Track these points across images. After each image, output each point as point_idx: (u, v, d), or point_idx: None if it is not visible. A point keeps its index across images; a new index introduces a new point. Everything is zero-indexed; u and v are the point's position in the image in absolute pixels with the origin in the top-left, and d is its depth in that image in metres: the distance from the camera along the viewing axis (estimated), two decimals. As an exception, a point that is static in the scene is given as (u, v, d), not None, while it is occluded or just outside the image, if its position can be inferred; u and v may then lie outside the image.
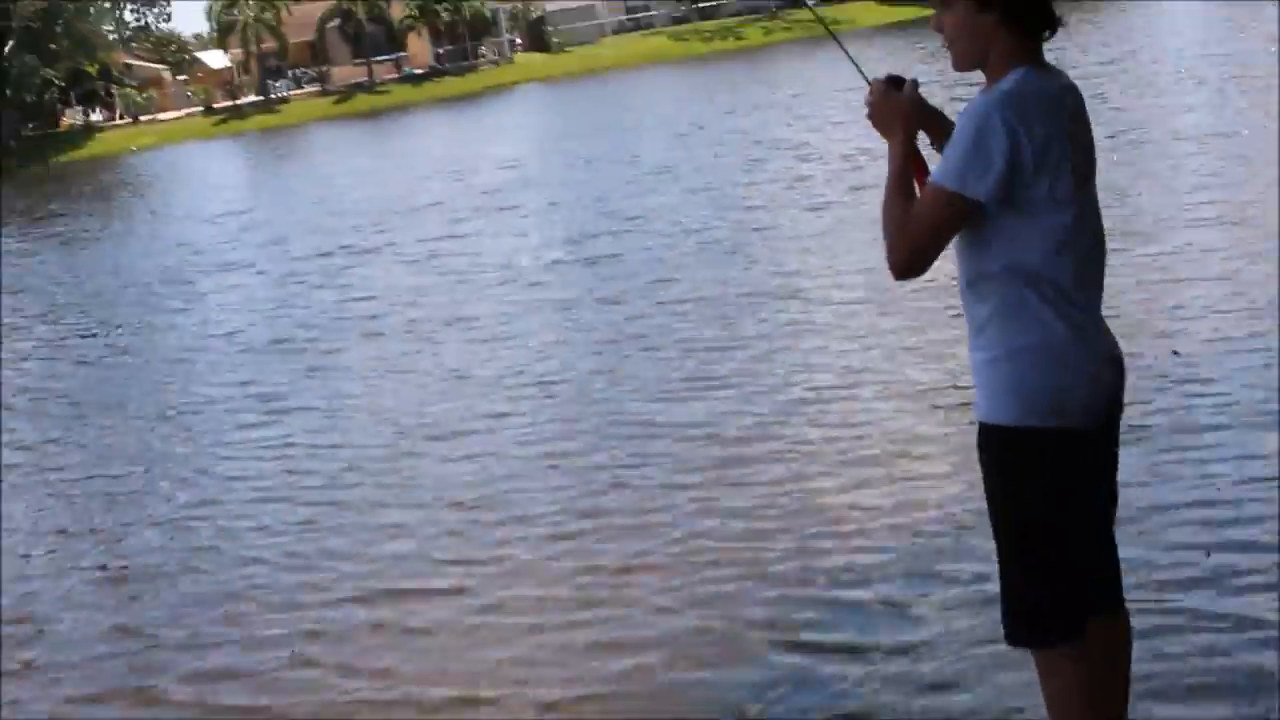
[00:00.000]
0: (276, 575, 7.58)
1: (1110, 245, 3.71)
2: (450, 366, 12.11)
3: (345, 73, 79.27)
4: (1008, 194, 3.36)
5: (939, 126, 3.74)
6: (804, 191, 18.89)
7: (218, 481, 9.71)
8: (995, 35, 3.44)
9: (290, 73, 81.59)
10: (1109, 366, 3.57)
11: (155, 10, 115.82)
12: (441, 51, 79.43)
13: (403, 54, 79.61)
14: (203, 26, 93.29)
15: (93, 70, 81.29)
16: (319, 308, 16.20)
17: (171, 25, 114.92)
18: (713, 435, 8.89)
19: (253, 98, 78.92)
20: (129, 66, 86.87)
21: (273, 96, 78.08)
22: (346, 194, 29.26)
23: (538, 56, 79.05)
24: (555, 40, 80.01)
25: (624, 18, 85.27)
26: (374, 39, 78.76)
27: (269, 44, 79.53)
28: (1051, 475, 3.49)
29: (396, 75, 78.66)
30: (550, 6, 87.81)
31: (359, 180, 32.39)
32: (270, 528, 8.45)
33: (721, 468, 8.22)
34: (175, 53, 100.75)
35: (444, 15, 77.70)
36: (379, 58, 78.61)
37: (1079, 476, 3.53)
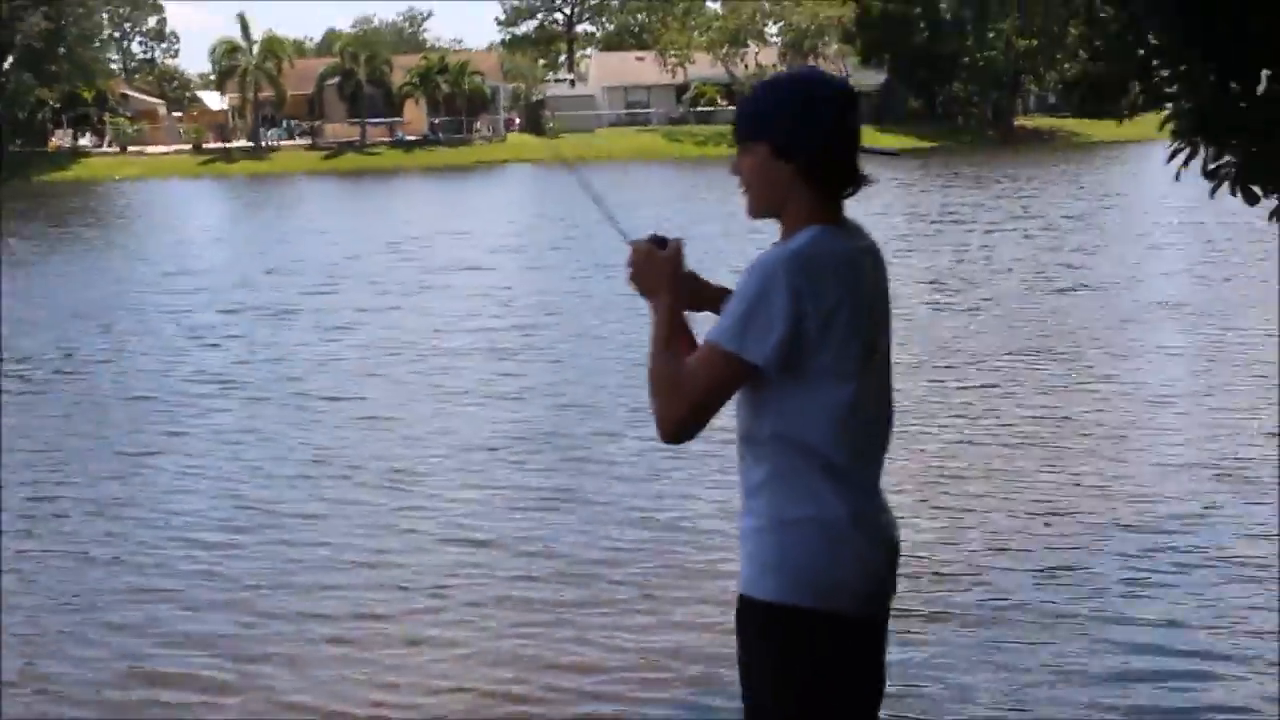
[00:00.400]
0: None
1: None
2: (315, 443, 11.72)
3: (339, 130, 79.46)
4: (787, 361, 3.08)
5: (703, 290, 3.50)
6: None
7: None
8: (793, 186, 3.17)
9: (285, 123, 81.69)
10: (885, 550, 3.27)
11: (163, 46, 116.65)
12: (436, 121, 79.54)
13: (398, 119, 79.76)
14: (205, 67, 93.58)
15: (89, 96, 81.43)
16: (202, 365, 15.93)
17: (177, 62, 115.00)
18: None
19: (244, 143, 79.00)
20: (125, 97, 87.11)
21: (263, 144, 78.11)
22: (302, 250, 29.17)
23: (529, 138, 79.24)
24: (550, 125, 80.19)
25: (623, 111, 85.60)
26: (371, 101, 78.90)
27: (267, 93, 79.76)
28: (814, 659, 3.17)
29: (389, 139, 78.74)
30: (552, 91, 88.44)
31: (321, 238, 32.43)
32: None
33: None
34: (176, 89, 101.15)
35: (443, 86, 77.95)
36: (374, 119, 78.71)
37: (843, 663, 3.21)
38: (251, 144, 78.32)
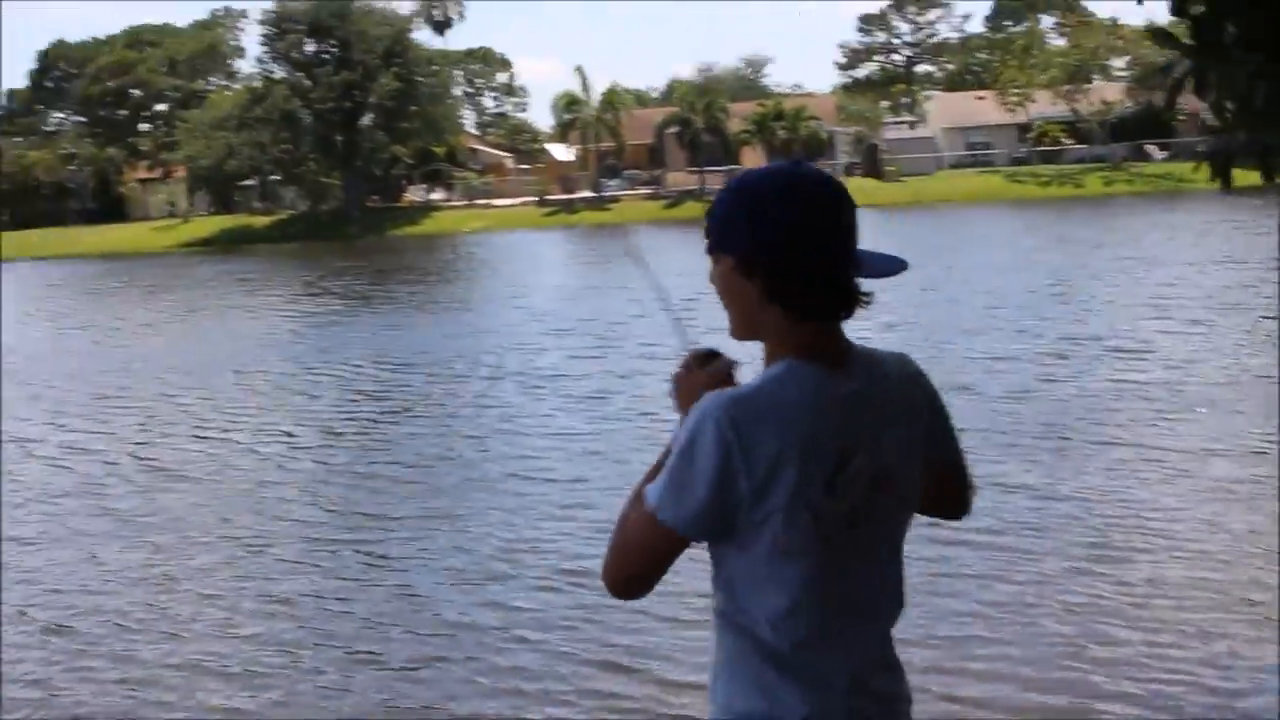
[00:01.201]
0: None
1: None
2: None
3: (679, 179, 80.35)
4: (716, 530, 2.54)
5: None
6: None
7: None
8: (763, 308, 2.58)
9: (625, 173, 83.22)
10: None
11: (514, 100, 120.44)
12: (774, 168, 79.37)
13: (736, 166, 79.88)
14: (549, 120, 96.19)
15: (440, 151, 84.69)
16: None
17: (528, 115, 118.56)
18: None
19: (586, 193, 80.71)
20: (475, 151, 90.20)
21: (605, 194, 79.71)
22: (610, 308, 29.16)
23: (868, 182, 78.48)
24: (889, 169, 79.36)
25: (963, 153, 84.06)
26: (710, 149, 79.46)
27: (608, 143, 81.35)
28: None
29: (726, 186, 78.98)
30: (891, 134, 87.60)
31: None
32: None
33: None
34: (527, 141, 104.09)
35: (780, 132, 77.95)
36: (713, 167, 79.29)
37: None
38: (593, 194, 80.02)
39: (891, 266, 2.60)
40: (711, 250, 2.63)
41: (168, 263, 63.77)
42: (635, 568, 2.62)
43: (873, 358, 2.65)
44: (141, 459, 15.60)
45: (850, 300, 2.58)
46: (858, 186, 76.53)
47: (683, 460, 2.48)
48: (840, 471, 2.52)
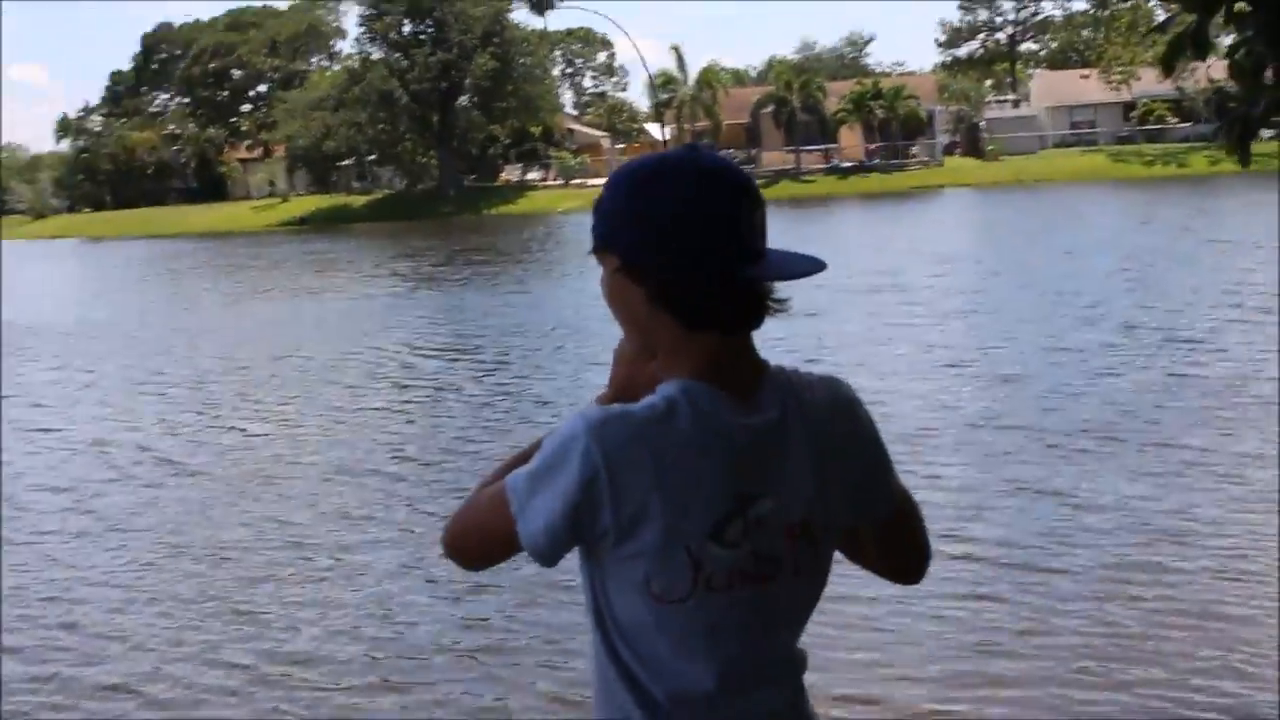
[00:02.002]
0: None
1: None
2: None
3: (775, 158, 79.77)
4: (560, 553, 2.21)
5: None
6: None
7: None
8: (654, 318, 2.21)
9: (721, 152, 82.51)
10: None
11: (613, 80, 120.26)
12: (872, 147, 78.79)
13: (833, 145, 79.35)
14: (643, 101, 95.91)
15: (536, 131, 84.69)
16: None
17: (627, 95, 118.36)
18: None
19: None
20: (570, 131, 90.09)
21: (699, 174, 79.17)
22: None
23: (968, 161, 77.49)
24: (990, 148, 78.16)
25: (1067, 132, 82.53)
26: (806, 128, 78.82)
27: (704, 123, 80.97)
28: None
29: (824, 166, 78.49)
30: (993, 113, 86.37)
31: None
32: None
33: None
34: (625, 121, 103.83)
35: (878, 111, 77.03)
36: (809, 147, 78.68)
37: None
38: (689, 174, 79.43)
39: (805, 267, 2.20)
40: (596, 249, 2.27)
41: (260, 241, 64.17)
42: (473, 548, 2.35)
43: (793, 382, 2.28)
44: (144, 447, 15.38)
45: (753, 307, 2.21)
46: (956, 166, 75.96)
47: (547, 470, 2.16)
48: (733, 519, 2.18)
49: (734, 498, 2.17)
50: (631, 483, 2.11)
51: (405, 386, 18.60)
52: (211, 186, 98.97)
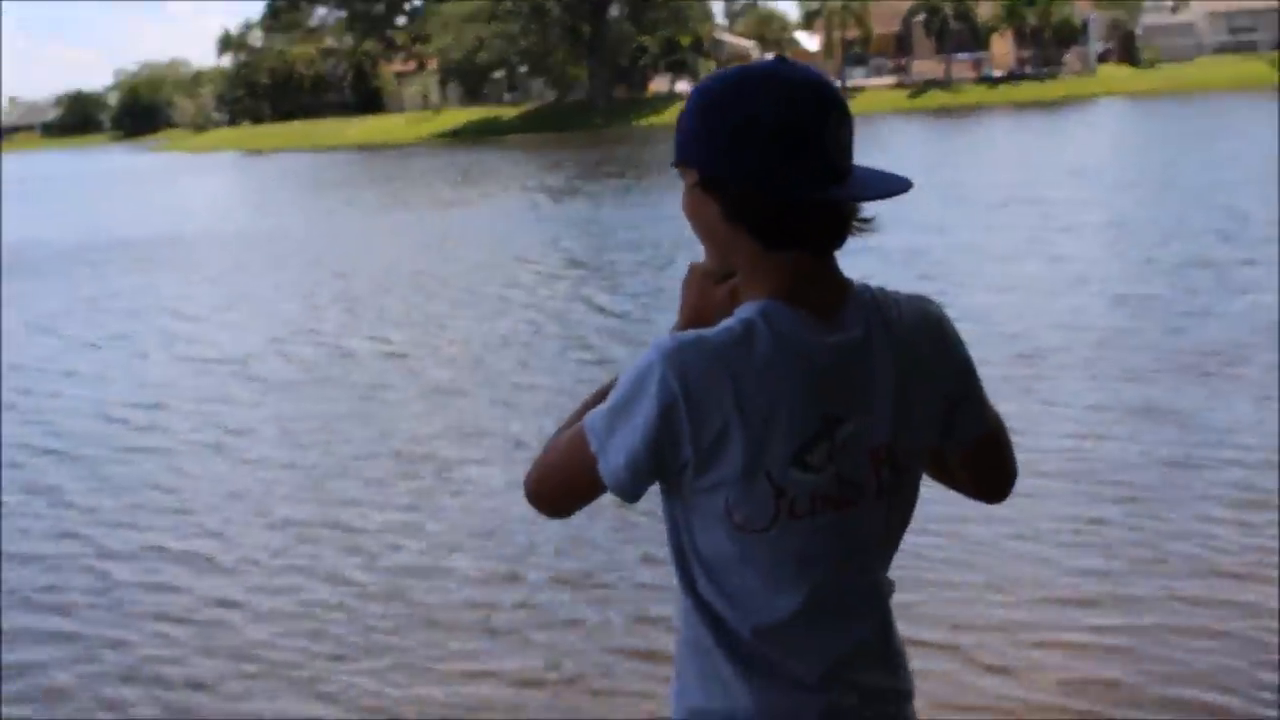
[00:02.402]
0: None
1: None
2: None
3: (925, 67, 78.93)
4: (643, 487, 2.15)
5: None
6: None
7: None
8: (733, 234, 2.13)
9: (871, 61, 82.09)
10: None
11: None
12: (1024, 55, 77.57)
13: (984, 54, 78.28)
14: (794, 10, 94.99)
15: (685, 42, 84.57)
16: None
17: (775, 3, 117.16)
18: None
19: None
20: (720, 41, 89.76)
21: (849, 84, 78.76)
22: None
23: (1122, 70, 76.02)
24: (1145, 55, 76.51)
25: (1226, 38, 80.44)
26: (958, 37, 77.79)
27: (854, 32, 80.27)
28: None
29: (975, 75, 77.49)
30: (1149, 20, 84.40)
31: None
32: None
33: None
34: (775, 30, 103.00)
35: (1031, 19, 75.79)
36: (960, 55, 77.70)
37: None
38: (838, 84, 78.70)
39: (891, 186, 2.10)
40: (676, 162, 2.18)
41: (411, 153, 65.32)
42: (555, 492, 2.28)
43: (878, 301, 2.18)
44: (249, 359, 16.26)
45: (835, 227, 2.12)
46: (1110, 74, 74.50)
47: (625, 404, 2.10)
48: (818, 443, 2.11)
49: (818, 420, 2.10)
50: (710, 409, 2.04)
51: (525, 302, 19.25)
52: (367, 99, 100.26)
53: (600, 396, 2.21)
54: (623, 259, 22.11)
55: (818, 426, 2.09)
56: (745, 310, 2.10)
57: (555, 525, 8.24)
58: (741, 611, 2.15)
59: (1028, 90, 72.22)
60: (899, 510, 2.23)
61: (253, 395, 13.93)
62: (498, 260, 23.19)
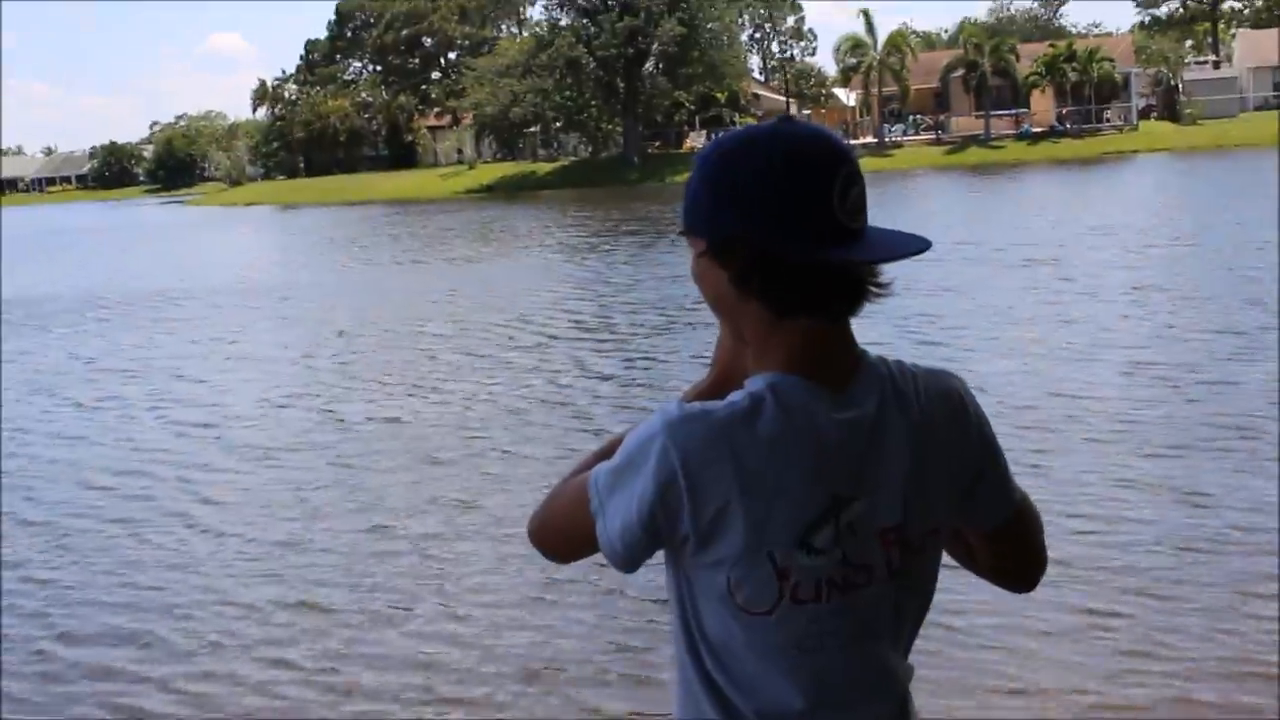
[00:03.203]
0: None
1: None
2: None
3: (963, 124, 78.33)
4: (641, 558, 2.07)
5: None
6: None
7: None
8: (742, 304, 2.04)
9: (909, 118, 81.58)
10: None
11: (801, 44, 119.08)
12: (1064, 111, 76.77)
13: (1024, 110, 77.50)
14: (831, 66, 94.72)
15: (721, 97, 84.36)
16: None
17: (815, 60, 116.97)
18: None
19: (868, 139, 79.33)
20: (757, 97, 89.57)
21: (886, 140, 78.22)
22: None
23: (1164, 126, 75.06)
24: (1188, 111, 75.55)
25: (1270, 94, 79.44)
26: (998, 92, 77.17)
27: (891, 88, 79.79)
28: None
29: (1014, 131, 76.67)
30: (1191, 75, 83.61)
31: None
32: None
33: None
34: (813, 86, 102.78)
35: (1071, 75, 74.99)
36: (999, 112, 76.97)
37: None
38: (875, 140, 78.58)
39: (906, 246, 2.00)
40: (684, 230, 2.11)
41: (443, 208, 64.92)
42: (556, 542, 2.24)
43: (894, 374, 2.09)
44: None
45: (849, 291, 2.02)
46: (1152, 130, 73.76)
47: (626, 468, 2.02)
48: (824, 524, 2.02)
49: (825, 499, 2.02)
50: (711, 486, 1.97)
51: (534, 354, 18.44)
52: (401, 154, 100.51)
53: (608, 450, 2.12)
54: (624, 320, 21.69)
55: (824, 506, 2.01)
56: (754, 383, 2.03)
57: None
58: (745, 693, 2.07)
59: (1067, 147, 71.34)
60: (915, 593, 2.15)
61: (235, 463, 13.36)
62: (500, 320, 22.57)
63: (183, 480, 12.62)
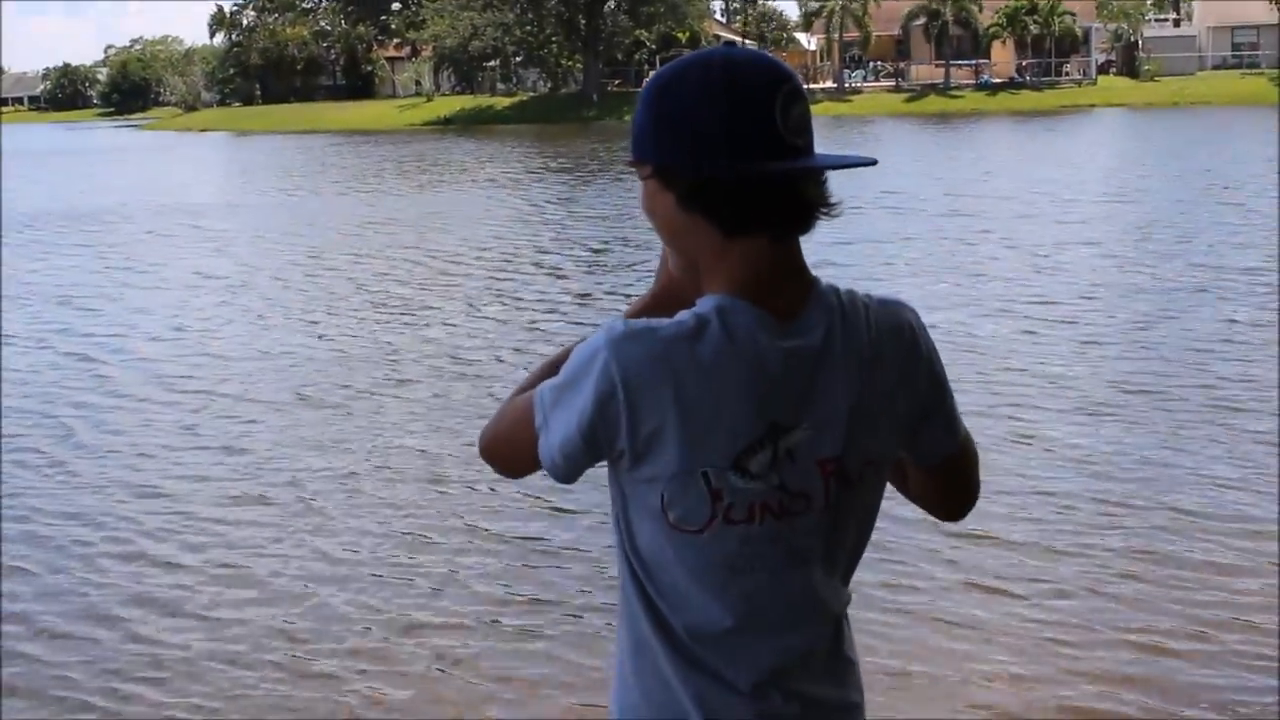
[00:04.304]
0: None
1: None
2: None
3: (923, 72, 78.44)
4: (578, 471, 2.10)
5: None
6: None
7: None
8: (691, 229, 2.04)
9: (870, 64, 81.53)
10: None
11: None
12: (1024, 64, 76.92)
13: (984, 61, 77.58)
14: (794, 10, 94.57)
15: (682, 37, 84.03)
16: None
17: (777, 3, 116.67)
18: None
19: (828, 84, 79.27)
20: (718, 38, 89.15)
21: (846, 86, 78.13)
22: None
23: (1121, 81, 75.30)
24: (1146, 68, 75.75)
25: (1228, 54, 79.69)
26: (958, 43, 77.25)
27: (853, 34, 79.64)
28: None
29: (974, 82, 76.75)
30: (1151, 32, 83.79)
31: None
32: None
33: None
34: (774, 30, 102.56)
35: (1032, 28, 75.05)
36: (959, 62, 77.01)
37: None
38: (835, 85, 78.51)
39: (850, 160, 2.04)
40: (632, 160, 2.10)
41: (398, 140, 64.46)
42: (504, 456, 2.23)
43: (844, 303, 2.07)
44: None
45: (796, 208, 2.01)
46: (1110, 85, 74.03)
47: (569, 383, 2.04)
48: (760, 449, 2.02)
49: (762, 426, 2.01)
50: (649, 404, 1.98)
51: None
52: (359, 84, 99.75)
53: (556, 364, 2.13)
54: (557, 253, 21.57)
55: (761, 432, 2.01)
56: (703, 304, 2.02)
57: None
58: (675, 609, 2.08)
59: (1026, 99, 71.53)
60: (855, 522, 2.15)
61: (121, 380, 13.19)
62: (433, 250, 22.50)
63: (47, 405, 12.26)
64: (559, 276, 19.21)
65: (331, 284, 19.33)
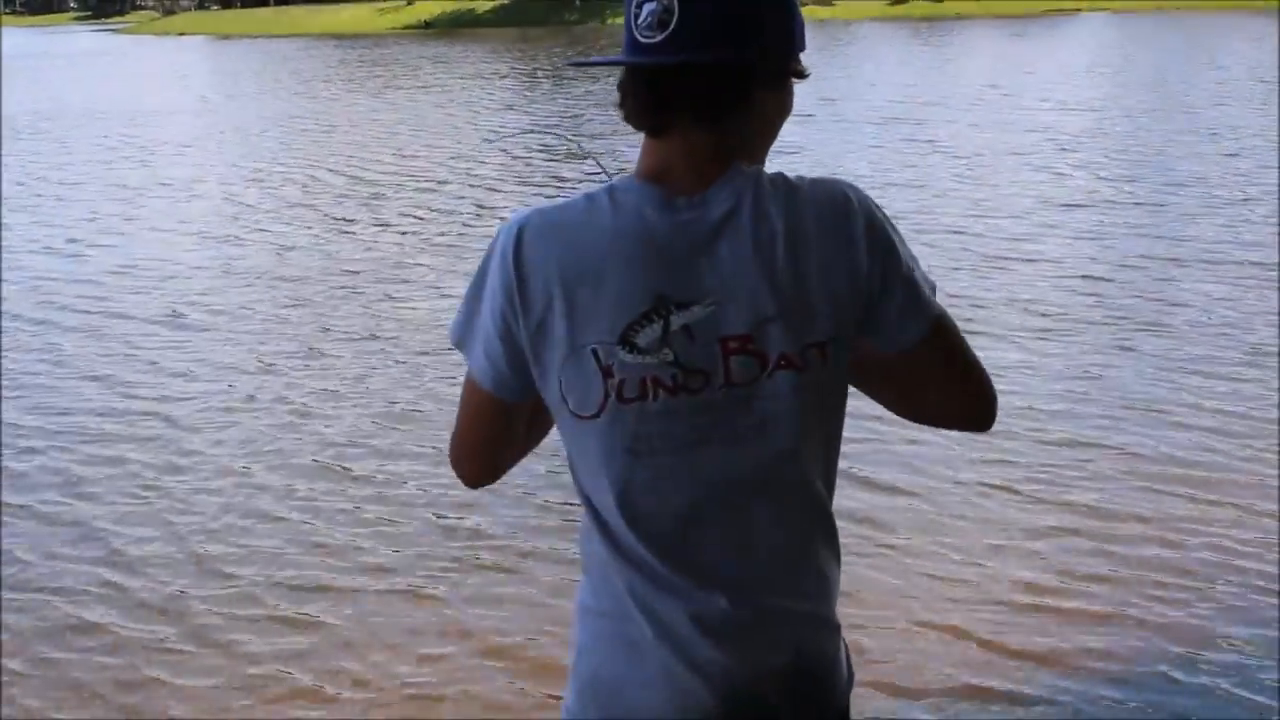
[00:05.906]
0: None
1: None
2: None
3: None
4: (518, 381, 2.07)
5: None
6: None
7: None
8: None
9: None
10: (730, 686, 2.07)
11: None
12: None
13: (968, -38, 76.84)
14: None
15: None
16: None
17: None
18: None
19: (813, -11, 78.74)
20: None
21: (830, -10, 77.68)
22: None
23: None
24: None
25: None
26: (942, -55, 76.50)
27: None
28: None
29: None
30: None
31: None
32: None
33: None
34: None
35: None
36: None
37: None
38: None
39: (597, 62, 2.26)
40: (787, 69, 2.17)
41: (377, 44, 63.83)
42: (465, 432, 2.20)
43: (763, 184, 2.01)
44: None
45: (659, 98, 2.02)
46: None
47: (474, 285, 2.07)
48: (648, 323, 1.98)
49: (649, 299, 1.97)
50: (537, 282, 1.98)
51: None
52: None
53: None
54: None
55: (648, 306, 1.97)
56: (608, 185, 2.04)
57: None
58: (601, 506, 2.07)
59: (1012, 4, 70.69)
60: (801, 407, 2.03)
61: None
62: (378, 153, 22.27)
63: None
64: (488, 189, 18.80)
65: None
